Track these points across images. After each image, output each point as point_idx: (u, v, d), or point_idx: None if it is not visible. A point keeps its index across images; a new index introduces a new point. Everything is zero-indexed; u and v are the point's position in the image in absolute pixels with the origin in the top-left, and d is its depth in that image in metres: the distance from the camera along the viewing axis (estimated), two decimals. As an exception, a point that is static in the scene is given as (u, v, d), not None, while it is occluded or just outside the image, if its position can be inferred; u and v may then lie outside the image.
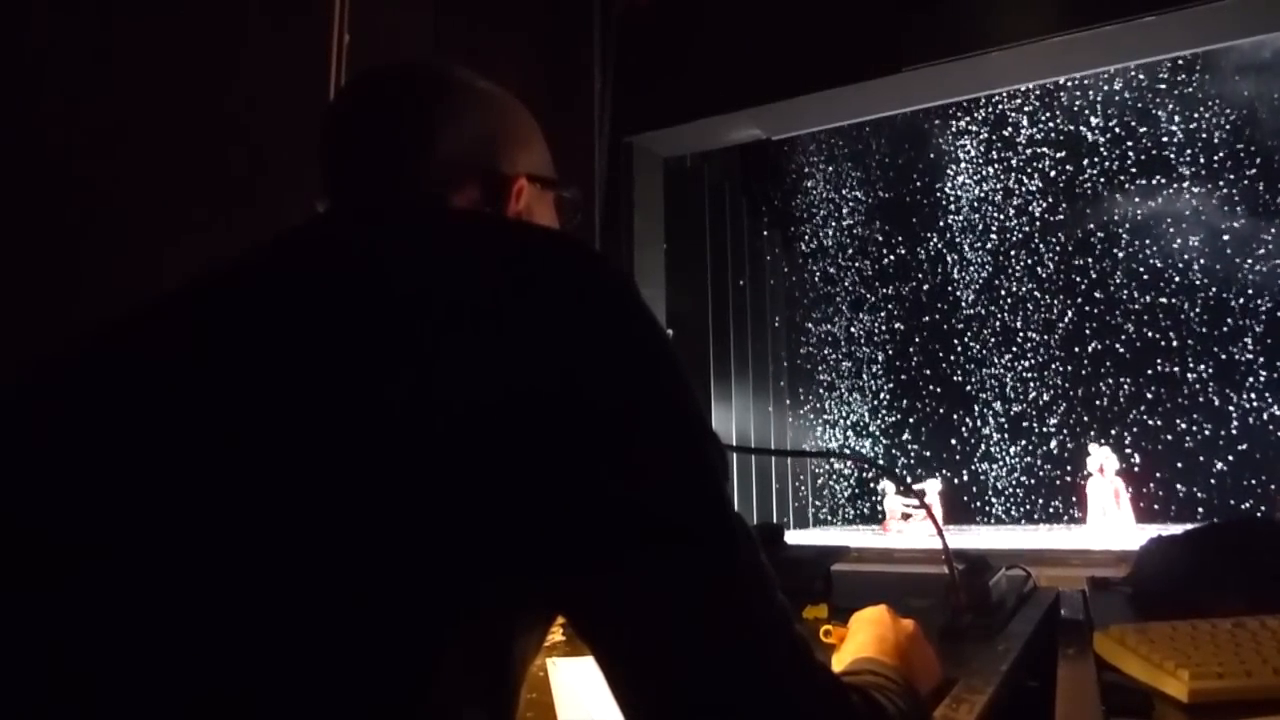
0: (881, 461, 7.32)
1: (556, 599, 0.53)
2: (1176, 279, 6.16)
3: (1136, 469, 5.46)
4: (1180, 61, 6.19)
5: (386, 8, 2.21)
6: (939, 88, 3.31)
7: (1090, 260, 6.45)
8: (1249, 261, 5.96)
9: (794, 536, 4.03)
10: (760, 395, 5.46)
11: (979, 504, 6.75)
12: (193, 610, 0.44)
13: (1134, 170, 6.37)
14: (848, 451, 7.18)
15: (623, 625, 0.51)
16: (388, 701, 0.44)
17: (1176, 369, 6.02)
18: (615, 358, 0.53)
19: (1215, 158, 6.11)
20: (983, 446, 6.72)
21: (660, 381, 0.54)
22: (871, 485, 6.93)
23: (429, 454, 0.47)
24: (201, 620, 0.44)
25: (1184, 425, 5.94)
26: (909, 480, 6.96)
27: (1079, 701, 0.75)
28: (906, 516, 5.47)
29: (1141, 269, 6.28)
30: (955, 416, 6.77)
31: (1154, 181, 6.30)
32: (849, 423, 7.38)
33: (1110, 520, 5.06)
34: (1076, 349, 6.41)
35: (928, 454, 6.64)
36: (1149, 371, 6.10)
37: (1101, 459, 5.24)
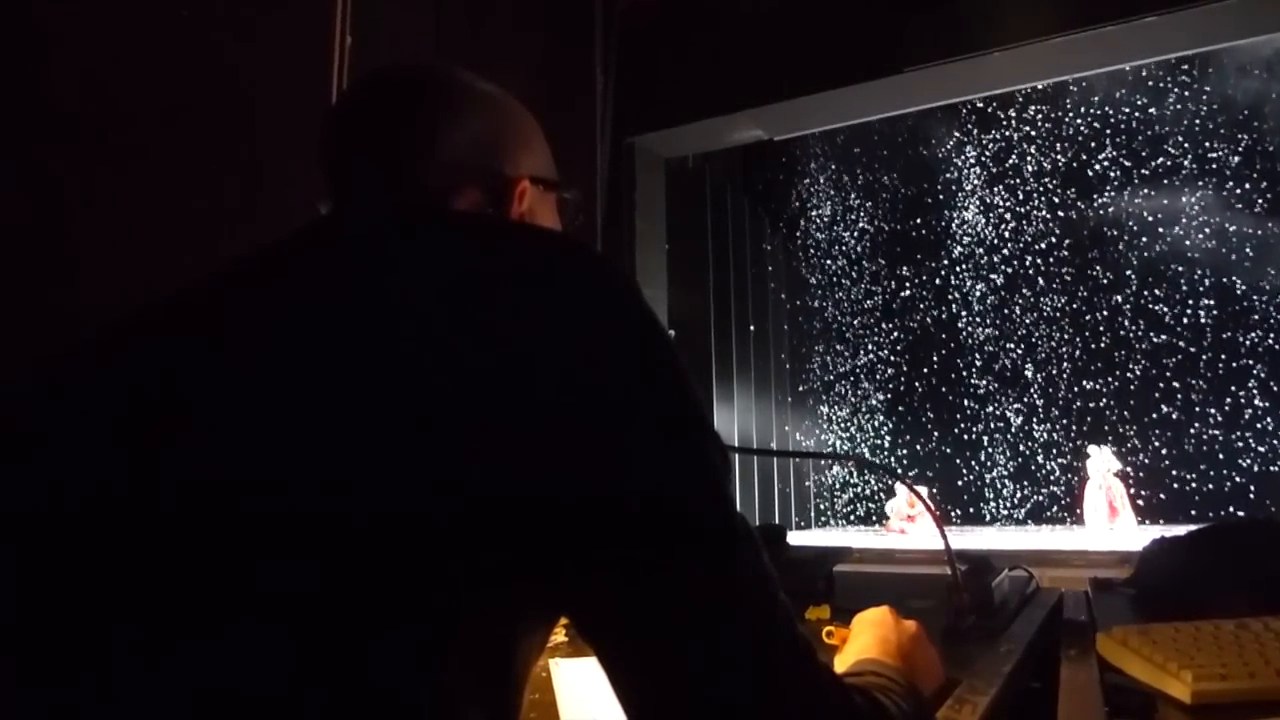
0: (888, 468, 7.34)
1: (559, 599, 0.53)
2: (1186, 320, 6.09)
3: (1142, 517, 5.42)
4: (1188, 94, 6.13)
5: (388, 10, 2.22)
6: (940, 88, 3.31)
7: (1098, 297, 6.38)
8: (1256, 297, 5.87)
9: (796, 537, 4.03)
10: (763, 395, 5.45)
11: (980, 506, 6.74)
12: (195, 609, 0.44)
13: (1144, 209, 6.30)
14: (849, 452, 7.15)
15: (624, 626, 0.51)
16: (390, 701, 0.44)
17: (1183, 416, 5.95)
18: (617, 359, 0.53)
19: (1225, 190, 6.05)
20: (988, 494, 6.70)
21: (662, 383, 0.54)
22: (876, 486, 6.92)
23: (431, 455, 0.47)
24: (204, 620, 0.44)
25: (1190, 475, 5.88)
26: (910, 480, 6.94)
27: (1081, 703, 0.75)
28: (910, 518, 5.46)
29: (1151, 306, 6.21)
30: (959, 462, 6.72)
31: (1160, 219, 6.22)
32: (851, 420, 7.38)
33: (1109, 522, 5.05)
34: (1087, 386, 6.33)
35: (937, 494, 6.61)
36: (1154, 415, 6.02)
37: (1101, 460, 5.21)
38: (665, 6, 3.38)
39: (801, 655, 0.53)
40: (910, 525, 5.41)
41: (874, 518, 6.69)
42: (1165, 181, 6.21)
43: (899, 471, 6.99)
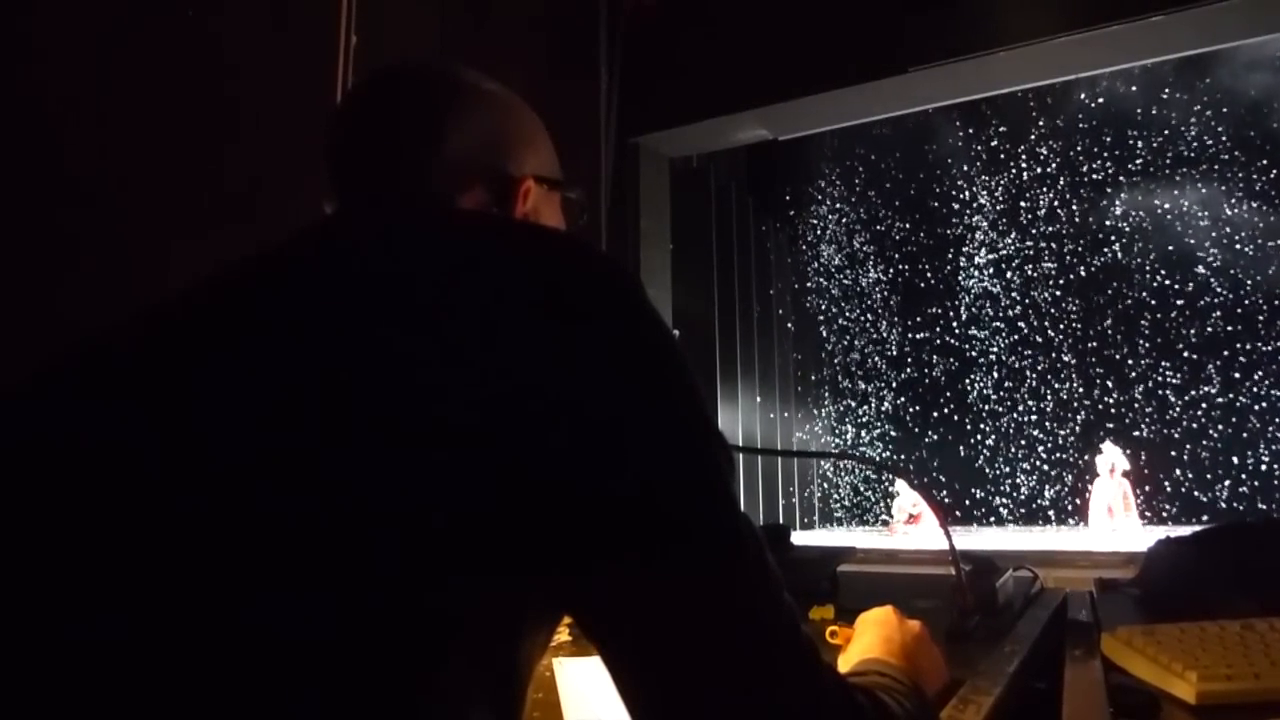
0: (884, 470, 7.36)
1: (563, 599, 0.53)
2: (1195, 390, 6.05)
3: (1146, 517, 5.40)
4: (1208, 140, 6.08)
5: (393, 9, 2.22)
6: (944, 88, 3.30)
7: (1110, 347, 6.36)
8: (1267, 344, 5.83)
9: (800, 537, 4.02)
10: (767, 395, 5.45)
11: (984, 507, 6.72)
12: (197, 608, 0.44)
13: (1155, 260, 6.27)
14: (853, 452, 7.14)
15: (628, 625, 0.51)
16: (394, 701, 0.44)
17: (1197, 490, 5.91)
18: (622, 358, 0.53)
19: (1238, 239, 6.02)
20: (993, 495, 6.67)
21: (667, 384, 0.54)
22: (881, 487, 6.92)
23: (436, 454, 0.47)
24: (205, 619, 0.44)
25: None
26: (914, 479, 6.93)
27: (1086, 703, 0.75)
28: (913, 518, 5.45)
29: (1163, 359, 6.18)
30: (966, 503, 6.70)
31: (1175, 270, 6.19)
32: (859, 424, 7.38)
33: (1116, 522, 5.03)
34: (1095, 441, 6.29)
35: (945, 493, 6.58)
36: (1168, 482, 5.98)
37: (1112, 458, 5.20)
38: (669, 6, 3.38)
39: (805, 655, 0.53)
40: (913, 525, 5.40)
41: (880, 518, 6.68)
42: (1182, 240, 6.16)
43: (904, 468, 6.99)
